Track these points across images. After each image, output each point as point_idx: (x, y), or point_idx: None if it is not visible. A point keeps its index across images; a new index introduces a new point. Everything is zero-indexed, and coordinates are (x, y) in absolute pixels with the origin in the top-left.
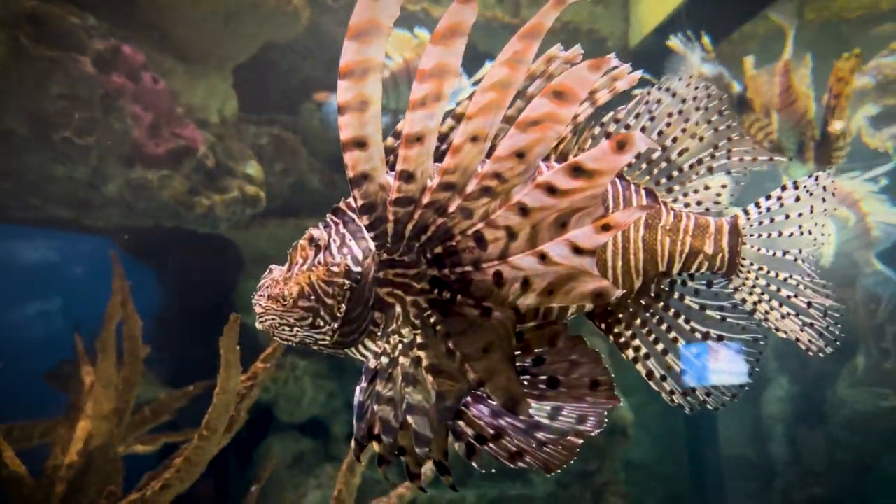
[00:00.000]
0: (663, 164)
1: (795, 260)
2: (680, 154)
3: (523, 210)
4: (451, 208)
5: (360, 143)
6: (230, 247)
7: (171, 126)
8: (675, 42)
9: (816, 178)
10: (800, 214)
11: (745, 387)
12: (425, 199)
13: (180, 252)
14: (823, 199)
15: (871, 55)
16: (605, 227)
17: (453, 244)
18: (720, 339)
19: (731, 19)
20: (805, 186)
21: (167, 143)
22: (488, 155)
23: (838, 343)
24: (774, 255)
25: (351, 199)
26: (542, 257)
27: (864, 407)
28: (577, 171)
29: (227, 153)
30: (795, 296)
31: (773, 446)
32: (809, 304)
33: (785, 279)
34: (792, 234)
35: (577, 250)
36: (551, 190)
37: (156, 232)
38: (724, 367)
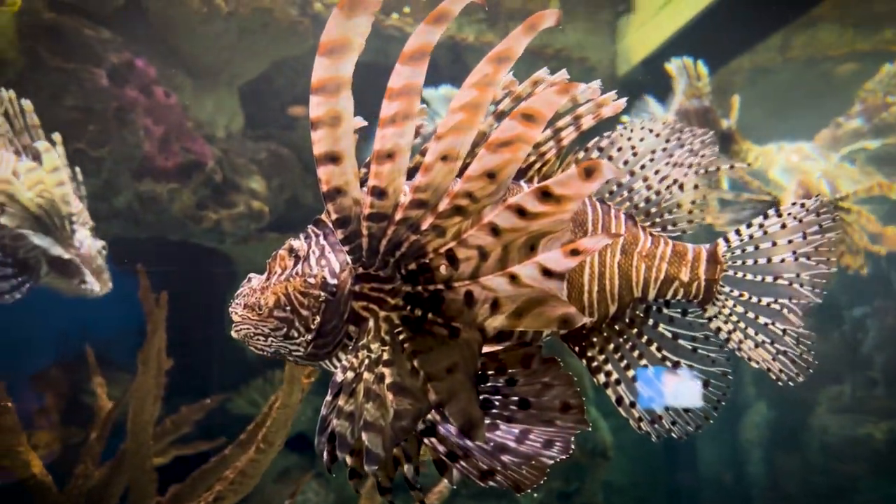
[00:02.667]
0: (644, 192)
1: (790, 284)
2: (661, 181)
3: (494, 230)
4: (424, 226)
5: (334, 158)
6: (223, 259)
7: (180, 140)
8: (671, 67)
9: (802, 205)
10: (789, 241)
11: (709, 418)
12: (398, 216)
13: (170, 263)
14: (820, 226)
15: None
16: (574, 252)
17: (426, 261)
18: (690, 369)
19: (718, 55)
20: (790, 213)
21: (177, 157)
22: (460, 174)
23: (811, 371)
24: (763, 280)
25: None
26: (513, 278)
27: (843, 433)
28: (546, 195)
29: (232, 168)
30: (773, 322)
31: (751, 470)
32: (784, 331)
33: (767, 304)
34: (785, 261)
35: (547, 273)
36: (521, 212)
37: (146, 243)
38: (679, 391)
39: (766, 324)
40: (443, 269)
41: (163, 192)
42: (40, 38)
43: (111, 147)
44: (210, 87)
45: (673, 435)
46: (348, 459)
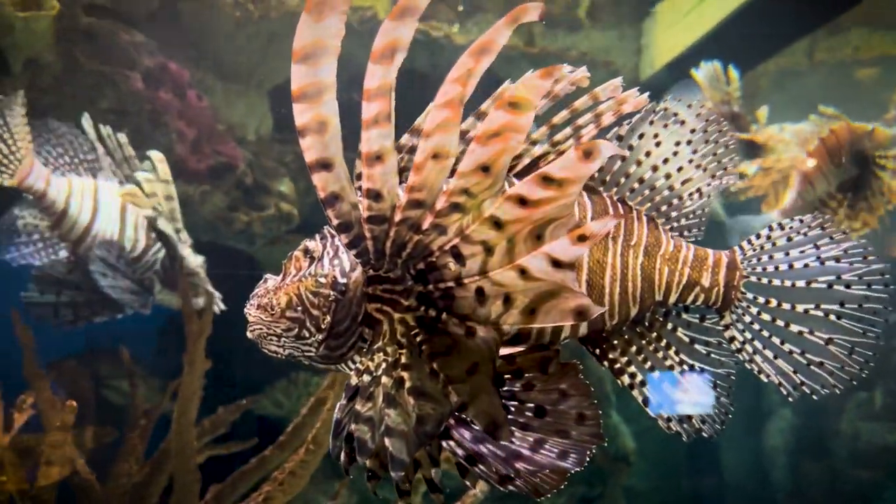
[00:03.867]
0: (666, 192)
1: (830, 287)
2: (682, 183)
3: (496, 223)
4: (425, 225)
5: (325, 165)
6: (249, 262)
7: (212, 143)
8: (697, 73)
9: (802, 221)
10: (801, 252)
11: (729, 414)
12: (397, 217)
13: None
14: (832, 238)
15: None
16: (581, 238)
17: (433, 260)
18: (702, 371)
19: (743, 60)
20: (791, 227)
21: (208, 159)
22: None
23: (854, 382)
24: (794, 285)
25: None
26: (522, 272)
27: (872, 440)
28: (546, 180)
29: (262, 171)
30: (811, 332)
31: (775, 477)
32: (830, 341)
33: (805, 311)
34: (809, 265)
35: (556, 263)
36: (522, 201)
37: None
38: (691, 396)
39: (799, 332)
40: (450, 267)
41: (195, 194)
42: (77, 41)
43: (145, 149)
44: (241, 90)
45: (703, 435)
46: (368, 462)
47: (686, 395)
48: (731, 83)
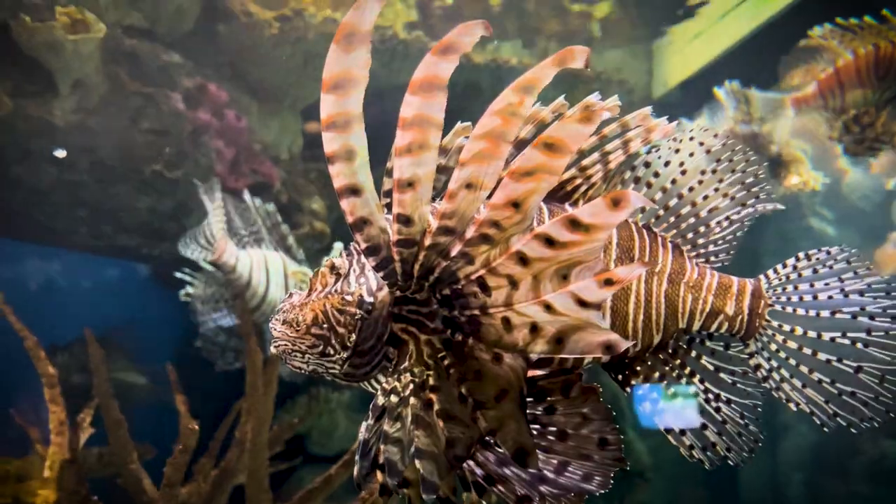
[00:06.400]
0: (692, 220)
1: (854, 318)
2: (709, 211)
3: (523, 260)
4: (454, 252)
5: (355, 191)
6: None
7: (249, 162)
8: (720, 92)
9: (828, 253)
10: (826, 284)
11: (759, 442)
12: (427, 242)
13: None
14: (856, 273)
15: None
16: (608, 282)
17: (459, 287)
18: (729, 402)
19: (758, 81)
20: (817, 258)
21: (246, 178)
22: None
23: (892, 414)
24: (818, 314)
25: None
26: (548, 307)
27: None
28: (575, 224)
29: (295, 189)
30: (839, 359)
31: (791, 493)
32: (859, 369)
33: (832, 339)
34: (833, 297)
35: (582, 303)
36: (549, 241)
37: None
38: (679, 414)
39: (827, 360)
40: (477, 296)
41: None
42: (121, 62)
43: (186, 169)
44: (275, 109)
45: (729, 462)
46: (379, 476)
47: (707, 422)
48: (750, 103)
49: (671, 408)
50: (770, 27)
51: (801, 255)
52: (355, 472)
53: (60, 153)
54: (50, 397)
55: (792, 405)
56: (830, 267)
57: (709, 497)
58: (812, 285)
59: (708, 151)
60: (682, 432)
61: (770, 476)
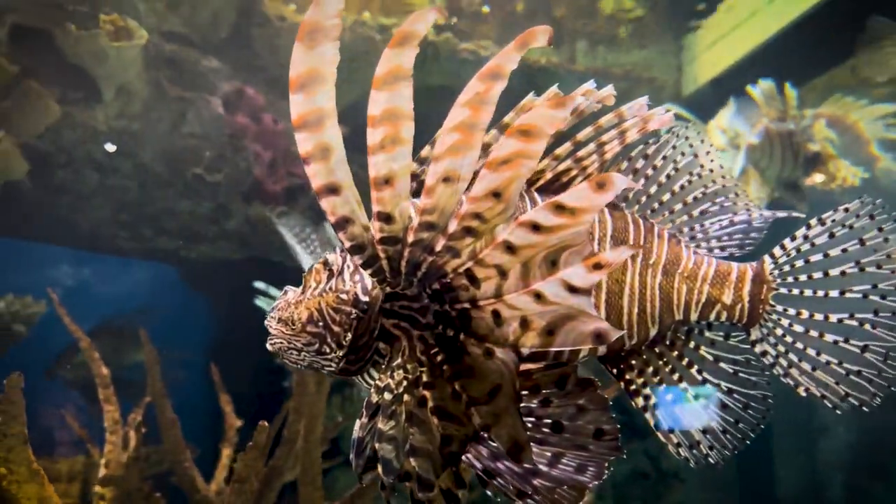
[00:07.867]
0: (685, 217)
1: (865, 297)
2: (701, 213)
3: (510, 248)
4: (438, 247)
5: (333, 189)
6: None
7: (286, 165)
8: (754, 90)
9: (847, 209)
10: (844, 250)
11: (746, 440)
12: (410, 238)
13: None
14: (880, 230)
15: None
16: (597, 266)
17: (448, 281)
18: (730, 392)
19: (790, 77)
20: (833, 219)
21: (283, 181)
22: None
23: (893, 388)
24: (826, 295)
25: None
26: (538, 296)
27: None
28: (560, 208)
29: None
30: (846, 340)
31: (831, 495)
32: (866, 348)
33: (839, 321)
34: (845, 273)
35: (572, 289)
36: (535, 227)
37: (213, 262)
38: (700, 420)
39: (835, 342)
40: (465, 289)
41: (270, 216)
42: (162, 68)
43: (225, 172)
44: None
45: (710, 460)
46: (380, 470)
47: (695, 419)
48: (787, 100)
49: (694, 417)
50: (801, 24)
51: (813, 221)
52: (354, 469)
53: (111, 147)
54: (104, 397)
55: (801, 390)
56: (851, 227)
57: (745, 498)
58: (826, 255)
59: (696, 156)
60: (671, 429)
61: (809, 478)
